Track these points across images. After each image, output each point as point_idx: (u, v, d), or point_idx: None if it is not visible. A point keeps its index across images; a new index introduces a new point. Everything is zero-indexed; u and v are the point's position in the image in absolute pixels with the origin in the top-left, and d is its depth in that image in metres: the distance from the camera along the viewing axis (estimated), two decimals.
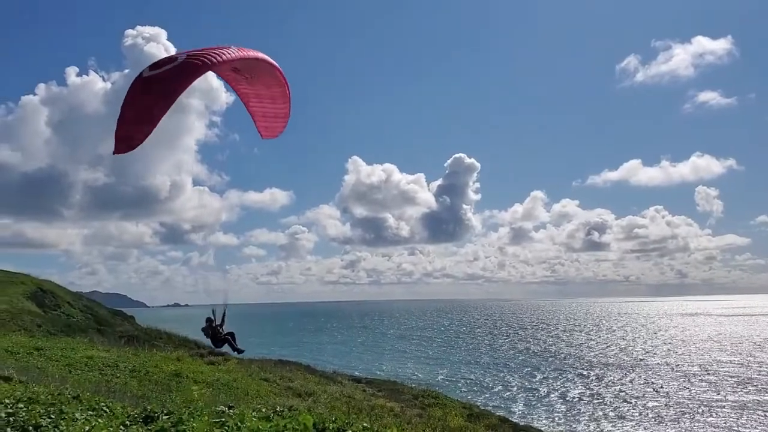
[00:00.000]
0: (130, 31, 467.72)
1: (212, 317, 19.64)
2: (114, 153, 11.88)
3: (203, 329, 20.02)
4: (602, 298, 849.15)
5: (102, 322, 47.83)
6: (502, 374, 72.35)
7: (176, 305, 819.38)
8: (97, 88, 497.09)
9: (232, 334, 20.04)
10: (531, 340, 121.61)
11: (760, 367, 75.45)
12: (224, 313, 19.86)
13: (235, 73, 15.42)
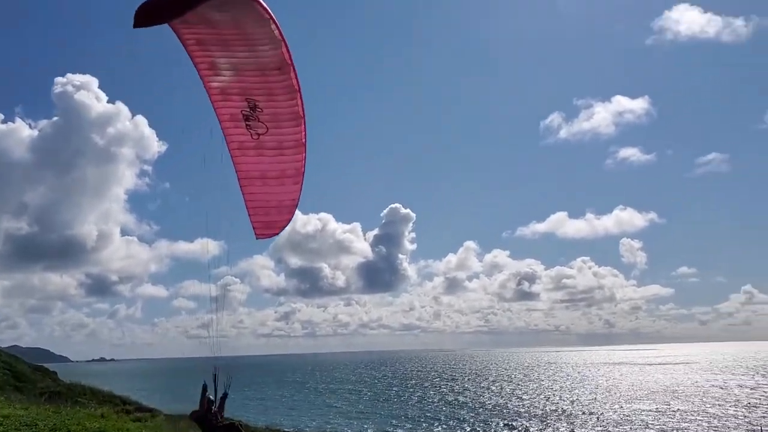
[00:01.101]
0: (59, 79, 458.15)
1: (212, 397, 15.00)
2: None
3: (193, 414, 15.49)
4: (534, 348, 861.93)
5: (21, 379, 46.42)
6: (430, 427, 72.98)
7: (102, 360, 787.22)
8: (23, 135, 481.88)
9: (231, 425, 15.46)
10: (461, 391, 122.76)
11: (675, 414, 78.87)
12: (224, 393, 14.89)
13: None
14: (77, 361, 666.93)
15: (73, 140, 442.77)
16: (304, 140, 13.41)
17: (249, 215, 14.23)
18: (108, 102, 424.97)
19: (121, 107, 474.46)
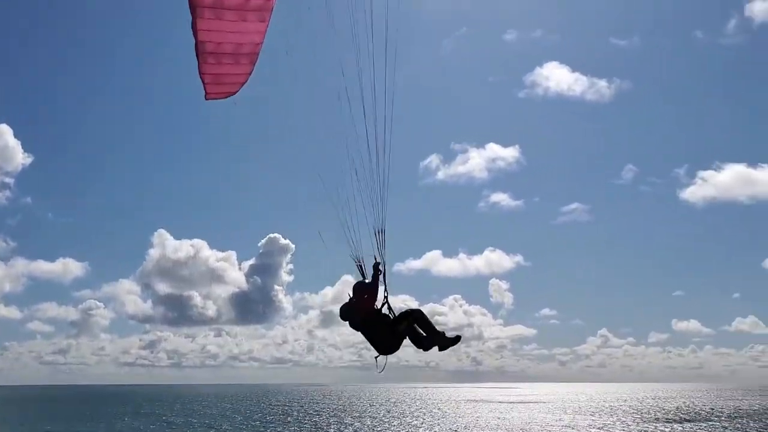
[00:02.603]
0: None
1: (369, 285, 12.38)
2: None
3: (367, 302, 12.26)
4: (404, 384, 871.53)
5: None
6: None
7: None
8: None
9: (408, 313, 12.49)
10: (323, 426, 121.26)
11: None
12: (383, 273, 12.44)
13: None
14: None
15: None
16: None
17: (198, 63, 11.01)
18: None
19: None
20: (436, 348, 12.83)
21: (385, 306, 12.79)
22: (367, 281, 12.82)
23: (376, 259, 12.78)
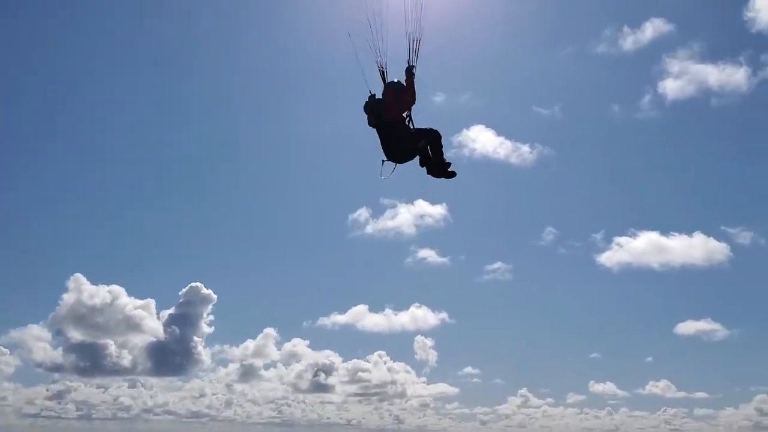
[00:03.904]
0: None
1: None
2: None
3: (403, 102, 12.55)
4: None
5: None
6: None
7: None
8: None
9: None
10: None
11: None
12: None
13: None
14: None
15: None
16: None
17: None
18: None
19: None
20: (432, 174, 13.39)
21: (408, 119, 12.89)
22: (402, 83, 12.64)
23: (409, 63, 12.67)
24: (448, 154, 13.05)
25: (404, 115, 12.61)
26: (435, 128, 12.80)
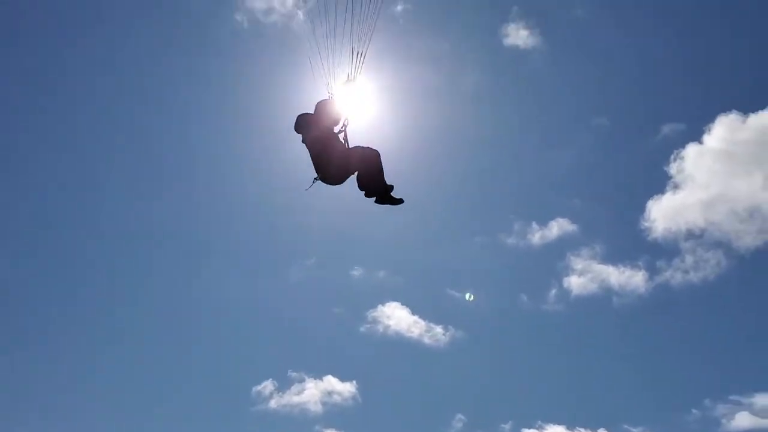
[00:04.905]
0: None
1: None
2: None
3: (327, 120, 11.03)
4: None
5: None
6: None
7: None
8: None
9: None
10: None
11: None
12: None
13: None
14: None
15: None
16: None
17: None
18: None
19: None
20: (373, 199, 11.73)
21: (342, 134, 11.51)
22: (330, 99, 11.41)
23: (349, 77, 11.48)
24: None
25: (336, 131, 11.23)
26: (372, 147, 11.21)
